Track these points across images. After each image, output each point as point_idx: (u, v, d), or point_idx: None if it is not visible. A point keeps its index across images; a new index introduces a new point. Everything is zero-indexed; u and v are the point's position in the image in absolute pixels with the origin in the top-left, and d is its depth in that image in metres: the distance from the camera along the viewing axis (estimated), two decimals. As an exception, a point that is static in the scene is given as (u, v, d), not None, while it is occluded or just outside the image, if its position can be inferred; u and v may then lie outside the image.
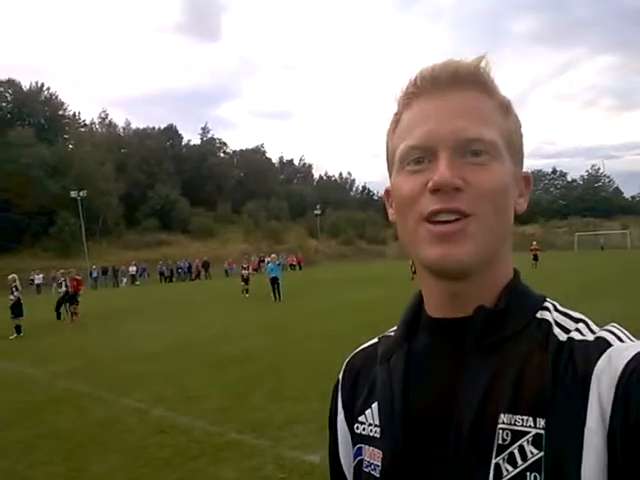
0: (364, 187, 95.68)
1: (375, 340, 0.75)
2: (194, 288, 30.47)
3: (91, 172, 50.45)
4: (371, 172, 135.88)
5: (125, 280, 37.95)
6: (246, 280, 20.13)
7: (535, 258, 24.74)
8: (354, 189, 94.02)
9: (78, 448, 4.66)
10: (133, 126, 71.06)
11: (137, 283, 37.99)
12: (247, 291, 19.79)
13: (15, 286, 13.79)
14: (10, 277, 14.13)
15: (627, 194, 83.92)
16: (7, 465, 4.39)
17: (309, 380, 6.51)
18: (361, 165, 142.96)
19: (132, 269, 38.72)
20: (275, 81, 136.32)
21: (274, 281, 18.07)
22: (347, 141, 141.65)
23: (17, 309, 13.50)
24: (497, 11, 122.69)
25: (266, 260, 29.93)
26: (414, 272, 16.09)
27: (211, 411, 5.51)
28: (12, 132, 49.10)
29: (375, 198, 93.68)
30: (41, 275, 35.61)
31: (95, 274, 37.10)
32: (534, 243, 26.60)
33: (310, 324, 11.96)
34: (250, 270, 21.65)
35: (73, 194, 42.25)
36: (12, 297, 13.55)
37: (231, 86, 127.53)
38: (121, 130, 70.86)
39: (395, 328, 0.72)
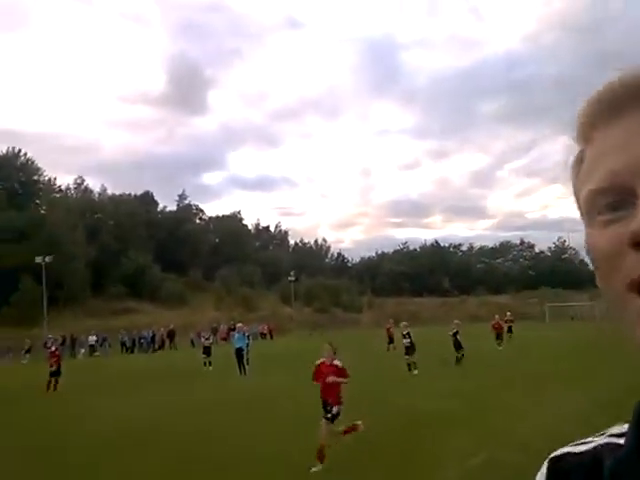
0: (339, 254, 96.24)
1: (590, 444, 0.52)
2: (153, 360, 28.80)
3: (61, 237, 49.35)
4: (345, 239, 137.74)
5: (83, 351, 35.76)
6: (207, 351, 19.07)
7: (509, 330, 24.02)
8: (329, 256, 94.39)
9: None
10: (109, 192, 71.09)
11: (96, 354, 35.79)
12: (210, 363, 18.70)
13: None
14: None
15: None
16: None
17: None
18: (336, 232, 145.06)
19: (92, 338, 36.61)
20: (256, 153, 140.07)
21: (238, 352, 17.18)
22: (323, 209, 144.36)
23: None
24: (465, 93, 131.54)
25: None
26: (390, 342, 15.64)
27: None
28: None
29: (349, 265, 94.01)
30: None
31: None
32: (509, 313, 25.78)
33: (274, 401, 11.14)
34: (211, 340, 20.65)
35: (38, 259, 40.94)
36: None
37: (212, 156, 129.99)
38: (96, 196, 70.68)
39: (619, 429, 0.50)
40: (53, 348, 16.81)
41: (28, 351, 34.15)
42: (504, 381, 12.55)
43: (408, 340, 15.64)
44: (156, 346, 38.16)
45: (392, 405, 9.93)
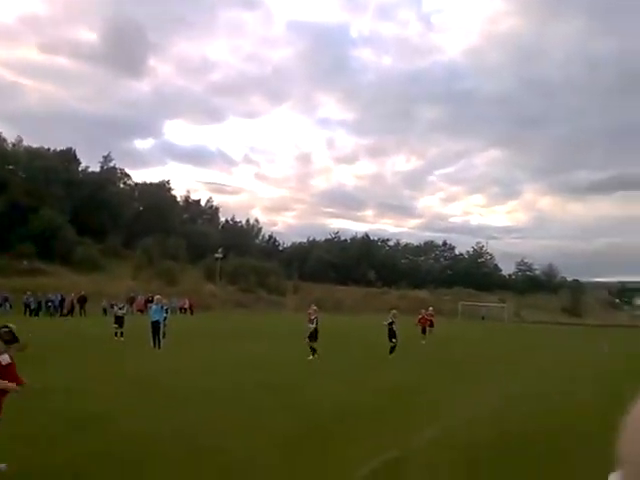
0: (270, 236, 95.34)
1: None
2: (60, 325, 26.80)
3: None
4: (278, 223, 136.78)
5: (-20, 309, 32.54)
6: (120, 321, 17.91)
7: (431, 324, 24.33)
8: (260, 237, 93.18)
9: None
10: (25, 143, 64.81)
11: (-5, 314, 32.71)
12: (122, 334, 17.56)
13: None
14: None
15: (505, 272, 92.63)
16: None
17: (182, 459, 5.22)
18: (270, 215, 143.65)
19: (-9, 298, 33.47)
20: (194, 126, 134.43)
21: (155, 325, 16.23)
22: (259, 190, 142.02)
23: None
24: (408, 96, 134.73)
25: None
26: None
27: None
28: None
29: (280, 249, 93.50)
30: None
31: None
32: (431, 308, 25.84)
33: (189, 380, 10.50)
34: (125, 310, 19.44)
35: None
36: None
37: (146, 122, 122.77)
38: (10, 145, 64.13)
39: None
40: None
41: None
42: (424, 375, 12.81)
43: (314, 326, 15.53)
44: (65, 311, 35.51)
45: (308, 397, 9.54)
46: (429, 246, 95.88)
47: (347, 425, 7.21)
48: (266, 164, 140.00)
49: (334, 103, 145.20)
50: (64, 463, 5.03)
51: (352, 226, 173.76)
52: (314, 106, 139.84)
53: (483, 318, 53.83)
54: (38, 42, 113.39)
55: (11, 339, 4.56)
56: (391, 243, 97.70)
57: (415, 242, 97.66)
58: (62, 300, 36.08)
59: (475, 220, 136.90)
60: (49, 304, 35.61)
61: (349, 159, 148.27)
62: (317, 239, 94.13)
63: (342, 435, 6.64)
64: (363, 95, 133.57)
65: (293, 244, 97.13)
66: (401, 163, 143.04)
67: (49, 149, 65.93)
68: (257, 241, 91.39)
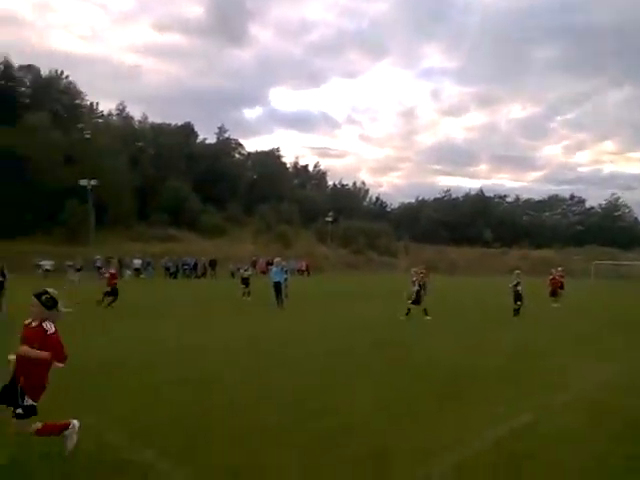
0: (377, 198, 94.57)
1: None
2: (197, 286, 29.40)
3: (105, 162, 49.83)
4: (384, 184, 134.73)
5: (129, 272, 36.95)
6: (246, 282, 19.03)
7: (561, 286, 22.31)
8: (367, 199, 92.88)
9: None
10: (150, 121, 70.81)
11: (142, 276, 37.02)
12: (248, 294, 18.67)
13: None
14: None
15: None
16: None
17: (289, 424, 5.18)
18: (375, 176, 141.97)
19: (137, 262, 37.78)
20: (297, 91, 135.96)
21: (277, 286, 16.94)
22: (364, 151, 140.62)
23: None
24: (518, 36, 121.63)
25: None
26: (415, 293, 14.52)
27: (173, 448, 4.41)
28: (29, 117, 48.69)
29: (388, 210, 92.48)
30: (50, 261, 34.69)
31: (99, 264, 36.15)
32: (560, 268, 22.68)
33: (312, 340, 10.72)
34: (250, 272, 20.61)
35: (83, 182, 41.66)
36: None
37: (251, 91, 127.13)
38: (137, 124, 70.50)
39: None
40: (113, 270, 17.16)
41: (79, 269, 35.43)
42: (550, 339, 11.73)
43: (416, 288, 15.07)
44: (199, 273, 38.97)
45: (422, 358, 9.13)
46: (554, 200, 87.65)
47: (464, 387, 6.80)
48: (369, 124, 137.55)
49: (437, 52, 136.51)
50: (170, 419, 5.21)
51: (464, 183, 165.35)
52: (416, 58, 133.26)
53: (622, 278, 48.29)
54: (152, 22, 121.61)
55: (52, 305, 4.09)
56: (509, 199, 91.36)
57: (537, 197, 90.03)
58: (196, 264, 39.58)
59: (607, 169, 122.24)
60: (185, 267, 39.29)
61: (456, 111, 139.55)
62: (426, 199, 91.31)
63: (460, 397, 6.26)
64: (468, 40, 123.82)
65: (401, 205, 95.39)
66: (516, 111, 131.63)
67: (170, 124, 71.27)
68: (365, 203, 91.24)
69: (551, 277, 21.03)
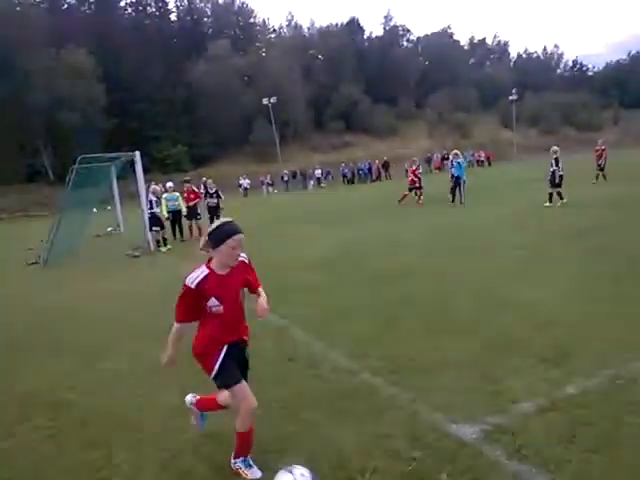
0: (575, 62, 79.81)
1: None
2: (372, 189, 30.28)
3: (281, 78, 52.36)
4: (586, 42, 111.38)
5: (312, 182, 39.94)
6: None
7: None
8: (561, 66, 79.10)
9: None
10: (317, 25, 70.58)
11: (322, 185, 39.68)
12: (419, 194, 18.27)
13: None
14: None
15: None
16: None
17: (479, 312, 5.32)
18: (572, 34, 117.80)
19: (317, 172, 40.42)
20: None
21: (456, 181, 16.37)
22: (552, 7, 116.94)
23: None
24: None
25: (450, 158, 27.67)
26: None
27: (350, 339, 4.87)
28: (213, 46, 53.13)
29: (590, 74, 77.67)
30: (247, 180, 39.41)
31: (286, 178, 39.94)
32: None
33: (497, 234, 10.28)
34: (421, 170, 19.92)
35: (265, 101, 44.87)
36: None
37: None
38: (306, 31, 71.04)
39: None
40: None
41: (271, 184, 39.88)
42: None
43: (556, 168, 13.52)
44: (373, 177, 39.97)
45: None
46: None
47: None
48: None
49: None
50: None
51: None
52: None
53: None
54: None
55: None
56: None
57: None
58: (370, 168, 40.50)
59: None
60: (360, 172, 40.60)
61: None
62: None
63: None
64: None
65: (608, 65, 78.71)
66: None
67: (336, 24, 69.89)
68: (558, 71, 77.95)
69: None
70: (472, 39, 78.12)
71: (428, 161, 40.84)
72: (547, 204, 13.53)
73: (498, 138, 52.19)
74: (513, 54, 78.26)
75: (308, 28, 70.67)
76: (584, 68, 78.49)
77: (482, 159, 42.93)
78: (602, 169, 18.37)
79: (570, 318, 4.90)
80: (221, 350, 2.76)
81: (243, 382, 2.76)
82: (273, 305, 3.32)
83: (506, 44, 79.04)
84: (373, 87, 61.89)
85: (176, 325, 2.78)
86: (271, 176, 40.31)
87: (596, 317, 4.88)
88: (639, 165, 26.04)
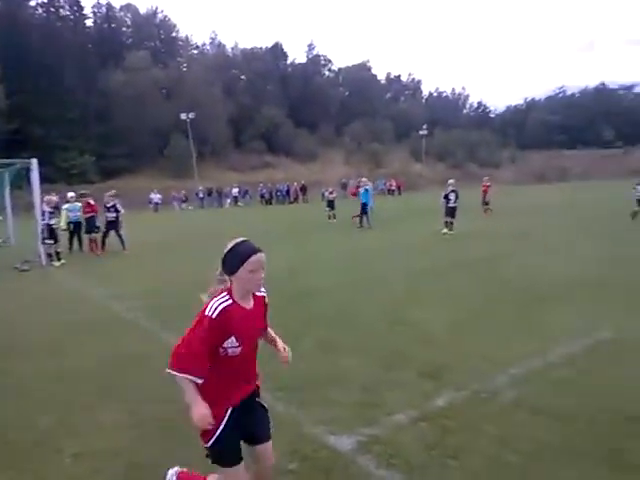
0: (479, 104, 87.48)
1: None
2: (288, 211, 30.66)
3: (201, 94, 51.71)
4: (489, 86, 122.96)
5: (229, 201, 39.51)
6: (331, 205, 19.42)
7: None
8: (467, 106, 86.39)
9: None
10: (241, 46, 71.03)
11: (240, 204, 39.38)
12: (334, 217, 19.12)
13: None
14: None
15: None
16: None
17: (375, 331, 5.60)
18: (477, 79, 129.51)
19: (235, 191, 40.08)
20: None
21: (363, 207, 17.19)
22: (461, 53, 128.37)
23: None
24: None
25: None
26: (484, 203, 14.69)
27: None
28: (131, 57, 51.32)
29: (492, 116, 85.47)
30: (158, 195, 37.92)
31: (201, 195, 39.12)
32: None
33: (397, 258, 10.87)
34: (335, 194, 20.89)
35: (183, 116, 43.98)
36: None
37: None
38: (230, 51, 71.13)
39: None
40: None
41: (185, 200, 38.91)
42: None
43: (453, 200, 14.89)
44: (291, 199, 40.44)
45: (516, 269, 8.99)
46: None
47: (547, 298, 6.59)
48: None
49: None
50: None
51: (579, 74, 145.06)
52: None
53: None
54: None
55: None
56: (638, 89, 78.94)
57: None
58: (288, 190, 40.96)
59: None
60: (278, 193, 40.91)
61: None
62: (536, 98, 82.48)
63: (541, 310, 6.09)
64: None
65: (507, 108, 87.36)
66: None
67: (261, 48, 70.79)
68: (465, 111, 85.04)
69: None
70: (389, 75, 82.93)
71: (344, 187, 42.20)
72: (445, 231, 14.65)
73: (409, 169, 55.41)
74: (425, 92, 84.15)
75: (232, 48, 70.97)
76: (487, 110, 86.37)
77: (393, 188, 45.19)
78: (487, 203, 20.10)
79: (450, 336, 5.34)
80: (225, 413, 2.21)
81: (241, 466, 2.22)
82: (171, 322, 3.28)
83: (419, 82, 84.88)
84: (295, 111, 63.13)
85: (191, 378, 2.09)
86: (185, 192, 39.32)
87: (471, 335, 5.36)
88: (527, 201, 28.94)
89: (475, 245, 12.42)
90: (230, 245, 2.22)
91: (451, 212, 14.90)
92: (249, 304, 2.25)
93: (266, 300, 2.41)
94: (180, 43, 66.11)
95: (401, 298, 7.19)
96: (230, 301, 2.17)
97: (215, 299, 2.17)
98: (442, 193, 15.50)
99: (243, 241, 2.23)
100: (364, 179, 19.19)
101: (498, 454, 3.08)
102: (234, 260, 2.18)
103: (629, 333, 5.23)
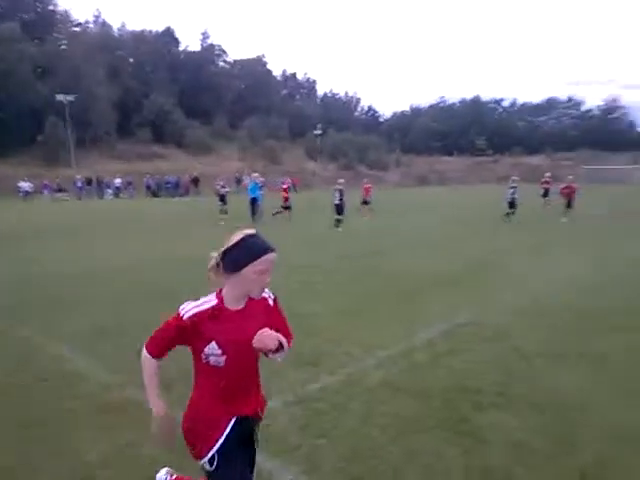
0: (370, 108, 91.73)
1: None
2: (176, 205, 29.48)
3: (83, 74, 47.48)
4: (378, 92, 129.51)
5: (110, 192, 36.78)
6: (223, 199, 19.10)
7: (545, 194, 21.50)
8: (359, 109, 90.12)
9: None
10: (129, 28, 66.47)
11: (122, 196, 36.82)
12: (226, 211, 18.79)
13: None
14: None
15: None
16: None
17: None
18: (368, 84, 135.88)
19: (117, 181, 37.39)
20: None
21: (253, 202, 17.33)
22: (355, 57, 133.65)
23: None
24: None
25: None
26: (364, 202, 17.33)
27: (117, 354, 4.75)
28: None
29: (381, 120, 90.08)
30: (28, 183, 34.18)
31: (80, 184, 35.93)
32: (547, 174, 22.95)
33: (292, 254, 11.05)
34: (227, 188, 20.59)
35: (59, 97, 40.05)
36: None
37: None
38: (116, 32, 66.21)
39: None
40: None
41: (60, 190, 35.41)
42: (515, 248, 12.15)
43: (339, 198, 15.99)
44: (182, 191, 38.88)
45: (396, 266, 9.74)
46: (552, 103, 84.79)
47: (418, 292, 7.27)
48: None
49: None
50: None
51: (459, 86, 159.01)
52: None
53: (604, 183, 48.25)
54: None
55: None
56: (506, 104, 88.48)
57: (535, 101, 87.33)
58: (177, 182, 39.23)
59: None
60: (167, 185, 39.02)
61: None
62: (421, 106, 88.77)
63: (412, 301, 6.69)
64: None
65: (395, 114, 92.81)
66: None
67: (151, 31, 66.92)
68: (356, 114, 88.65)
69: (563, 186, 18.54)
70: (284, 72, 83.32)
71: (238, 182, 41.64)
72: (336, 229, 15.33)
73: (304, 167, 56.31)
74: (320, 92, 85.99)
75: (119, 29, 66.15)
76: (376, 114, 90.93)
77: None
78: (367, 203, 20.41)
79: (332, 326, 5.65)
80: (226, 425, 1.94)
81: None
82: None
83: (314, 82, 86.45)
84: (187, 100, 60.74)
85: (149, 358, 1.92)
86: (59, 181, 35.78)
87: (350, 326, 5.73)
88: (409, 201, 31.13)
89: (361, 241, 13.12)
90: (237, 238, 1.88)
91: (337, 209, 15.63)
92: (241, 307, 1.93)
93: (271, 300, 2.05)
94: (59, 17, 59.91)
95: (295, 291, 7.35)
96: (214, 302, 1.89)
97: (199, 300, 1.90)
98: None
99: (253, 235, 1.91)
100: (255, 174, 19.31)
101: (362, 430, 3.38)
102: (241, 256, 1.85)
103: (482, 319, 5.97)
